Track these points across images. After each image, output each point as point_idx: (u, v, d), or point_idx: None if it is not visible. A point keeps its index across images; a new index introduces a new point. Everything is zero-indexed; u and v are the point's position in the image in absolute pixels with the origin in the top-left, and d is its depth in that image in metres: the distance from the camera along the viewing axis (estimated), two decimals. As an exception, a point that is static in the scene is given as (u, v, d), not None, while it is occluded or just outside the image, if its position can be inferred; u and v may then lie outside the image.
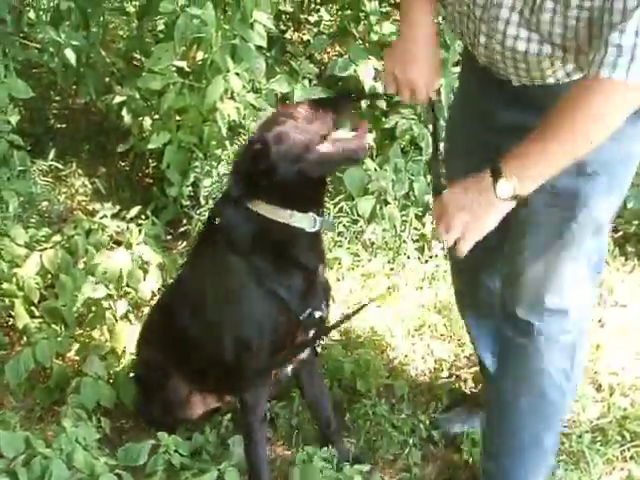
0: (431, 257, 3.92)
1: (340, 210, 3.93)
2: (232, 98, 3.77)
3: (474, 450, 2.90)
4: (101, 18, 4.45)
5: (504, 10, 1.96)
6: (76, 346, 3.15)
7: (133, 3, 4.86)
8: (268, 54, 4.25)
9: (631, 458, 2.95)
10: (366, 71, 4.09)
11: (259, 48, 3.75)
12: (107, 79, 4.36)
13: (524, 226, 2.25)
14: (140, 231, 3.42)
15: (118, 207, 3.71)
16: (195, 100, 3.70)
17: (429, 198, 3.91)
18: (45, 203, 4.05)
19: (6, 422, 2.53)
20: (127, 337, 3.13)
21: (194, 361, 2.69)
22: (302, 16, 5.21)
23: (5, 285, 3.19)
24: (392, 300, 3.63)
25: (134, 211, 3.60)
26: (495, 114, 2.27)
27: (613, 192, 2.22)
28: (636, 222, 4.12)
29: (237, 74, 3.66)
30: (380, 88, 3.83)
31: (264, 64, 3.82)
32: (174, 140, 3.81)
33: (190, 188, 3.91)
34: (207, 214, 2.64)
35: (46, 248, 3.32)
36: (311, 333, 2.56)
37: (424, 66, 2.31)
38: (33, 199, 3.93)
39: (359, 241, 3.93)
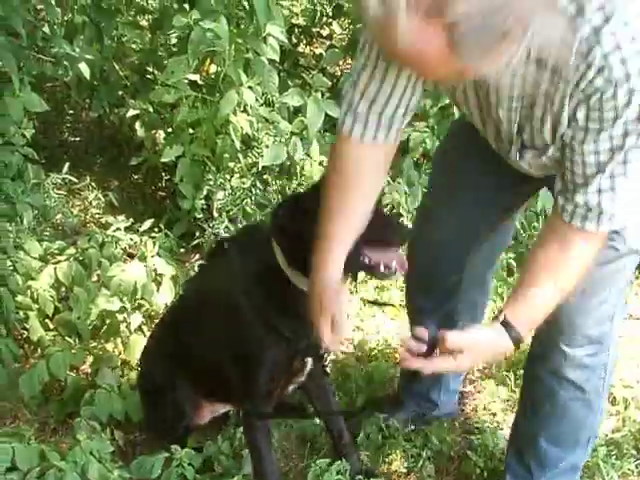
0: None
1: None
2: (245, 111, 3.79)
3: (488, 463, 2.89)
4: (115, 32, 4.50)
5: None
6: (90, 359, 3.16)
7: (146, 17, 4.89)
8: (281, 67, 4.27)
9: (646, 472, 2.94)
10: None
11: (272, 61, 3.77)
12: (120, 92, 4.40)
13: None
14: (154, 244, 3.43)
15: (131, 220, 3.72)
16: (208, 113, 3.72)
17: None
18: (59, 216, 4.06)
19: (20, 435, 2.52)
20: (141, 349, 3.13)
21: (199, 372, 2.70)
22: (314, 29, 5.23)
23: (20, 298, 3.19)
24: (405, 312, 3.62)
25: (147, 224, 3.62)
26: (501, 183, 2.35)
27: None
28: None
29: (250, 87, 3.68)
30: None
31: (277, 77, 3.83)
32: (187, 153, 3.82)
33: (203, 201, 3.92)
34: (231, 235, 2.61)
35: (60, 261, 3.33)
36: (308, 360, 2.57)
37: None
38: (47, 212, 3.94)
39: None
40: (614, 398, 3.25)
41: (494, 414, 3.16)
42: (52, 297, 3.23)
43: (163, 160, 3.86)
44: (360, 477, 2.69)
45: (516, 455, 2.68)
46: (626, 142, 1.80)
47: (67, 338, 3.17)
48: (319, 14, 5.16)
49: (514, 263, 3.94)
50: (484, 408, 3.19)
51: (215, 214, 3.92)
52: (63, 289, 3.32)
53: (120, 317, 3.22)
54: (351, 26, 4.96)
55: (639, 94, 1.71)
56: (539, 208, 3.95)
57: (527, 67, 1.79)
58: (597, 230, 1.94)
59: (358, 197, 2.18)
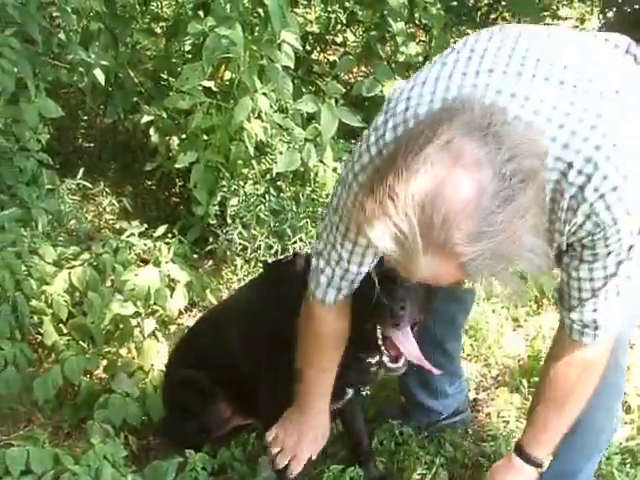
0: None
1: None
2: (259, 118, 3.81)
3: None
4: (129, 39, 4.52)
5: None
6: (104, 363, 3.16)
7: (161, 24, 4.91)
8: (295, 74, 4.27)
9: (661, 480, 2.92)
10: (392, 91, 4.11)
11: (286, 68, 3.78)
12: (135, 99, 4.40)
13: None
14: (168, 249, 3.43)
15: (145, 226, 3.74)
16: (222, 120, 3.73)
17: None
18: (73, 221, 4.07)
19: (35, 438, 2.53)
20: (154, 355, 3.14)
21: (233, 386, 2.72)
22: (328, 37, 5.24)
23: (34, 302, 3.20)
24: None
25: (161, 230, 3.63)
26: None
27: None
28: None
29: (264, 94, 3.69)
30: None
31: (291, 84, 3.84)
32: (201, 159, 3.83)
33: (217, 207, 3.93)
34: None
35: (74, 266, 3.34)
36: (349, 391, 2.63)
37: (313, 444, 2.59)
38: (62, 217, 3.96)
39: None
40: (629, 406, 3.23)
41: (507, 422, 3.15)
42: (66, 302, 3.24)
43: (177, 166, 3.87)
44: None
45: None
46: (619, 269, 1.92)
47: (81, 343, 3.18)
48: (333, 21, 5.18)
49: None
50: (498, 415, 3.18)
51: (229, 220, 3.92)
52: (77, 294, 3.32)
53: (134, 322, 3.23)
54: (365, 34, 4.96)
55: (627, 231, 1.84)
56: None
57: None
58: (594, 342, 2.08)
59: (332, 349, 2.41)
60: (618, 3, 5.34)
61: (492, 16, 5.26)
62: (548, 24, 5.52)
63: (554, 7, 6.11)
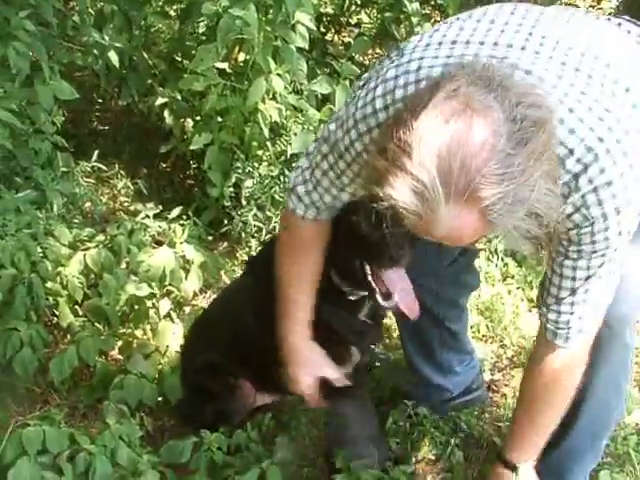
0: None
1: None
2: (274, 99, 3.79)
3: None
4: (144, 21, 4.51)
5: None
6: (119, 344, 3.18)
7: (175, 7, 4.90)
8: (309, 55, 4.25)
9: (677, 461, 2.91)
10: (407, 72, 4.09)
11: (300, 50, 3.76)
12: (149, 81, 4.40)
13: None
14: (183, 231, 3.44)
15: (160, 208, 3.76)
16: (237, 101, 3.72)
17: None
18: (88, 204, 4.08)
19: (51, 418, 2.53)
20: (170, 336, 3.15)
21: (256, 361, 2.71)
22: (343, 18, 5.21)
23: (49, 284, 3.21)
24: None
25: (176, 212, 3.63)
26: None
27: None
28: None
29: (279, 75, 3.68)
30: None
31: (305, 65, 3.83)
32: (216, 141, 3.83)
33: (231, 189, 3.92)
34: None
35: (89, 248, 3.35)
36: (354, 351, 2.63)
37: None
38: (77, 200, 3.96)
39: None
40: (645, 388, 3.23)
41: (523, 402, 3.14)
42: (81, 283, 3.25)
43: (192, 148, 3.86)
44: (389, 464, 2.68)
45: None
46: (601, 271, 1.94)
47: (96, 324, 3.19)
48: (348, 2, 5.14)
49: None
50: (513, 396, 3.16)
51: (243, 202, 3.92)
52: (92, 276, 3.33)
53: (149, 303, 3.24)
54: (379, 15, 4.93)
55: (615, 231, 1.85)
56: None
57: None
58: (565, 344, 2.10)
59: (310, 263, 2.39)
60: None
61: (508, -4, 5.21)
62: (565, 3, 5.48)
63: (570, -12, 6.05)
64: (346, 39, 5.23)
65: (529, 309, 3.67)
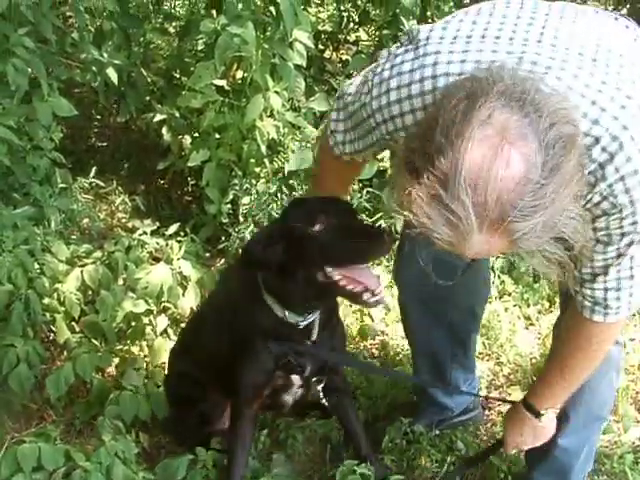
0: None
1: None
2: (271, 116, 3.81)
3: (512, 468, 2.89)
4: (142, 38, 4.53)
5: None
6: (116, 361, 3.17)
7: (174, 24, 4.92)
8: (307, 73, 4.27)
9: (673, 480, 2.91)
10: (404, 90, 4.11)
11: (298, 67, 3.78)
12: (148, 98, 4.42)
13: None
14: (180, 247, 3.44)
15: (157, 224, 3.77)
16: (235, 118, 3.73)
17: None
18: (86, 220, 4.09)
19: (47, 435, 2.54)
20: (166, 352, 3.15)
21: (218, 374, 2.71)
22: (341, 36, 5.23)
23: (46, 300, 3.21)
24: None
25: (173, 228, 3.63)
26: None
27: None
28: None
29: (277, 93, 3.69)
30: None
31: (303, 83, 3.85)
32: (213, 158, 3.84)
33: (229, 206, 3.93)
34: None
35: (87, 264, 3.36)
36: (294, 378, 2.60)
37: None
38: (74, 216, 3.97)
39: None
40: (641, 405, 3.23)
41: (519, 420, 3.14)
42: (79, 300, 3.25)
43: (189, 165, 3.87)
44: None
45: None
46: (630, 250, 1.94)
47: (93, 340, 3.19)
48: (345, 20, 5.17)
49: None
50: (509, 414, 3.17)
51: (241, 218, 3.92)
52: (89, 292, 3.34)
53: (146, 320, 3.24)
54: (377, 32, 4.95)
55: None
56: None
57: None
58: (604, 320, 2.10)
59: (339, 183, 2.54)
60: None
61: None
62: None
63: None
64: (344, 57, 5.24)
65: (526, 327, 3.68)
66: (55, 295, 3.24)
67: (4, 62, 3.39)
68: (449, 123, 1.60)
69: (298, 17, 3.58)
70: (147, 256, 3.52)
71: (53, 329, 3.26)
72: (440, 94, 1.78)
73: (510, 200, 1.57)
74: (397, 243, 2.78)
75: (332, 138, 2.28)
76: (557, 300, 3.68)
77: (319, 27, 5.06)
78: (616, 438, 3.07)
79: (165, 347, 3.17)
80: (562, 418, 2.47)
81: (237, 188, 3.89)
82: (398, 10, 4.41)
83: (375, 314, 3.60)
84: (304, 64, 3.78)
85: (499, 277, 3.82)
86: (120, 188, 4.37)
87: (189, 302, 3.36)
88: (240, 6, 3.59)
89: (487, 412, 3.21)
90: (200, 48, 4.30)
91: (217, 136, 3.85)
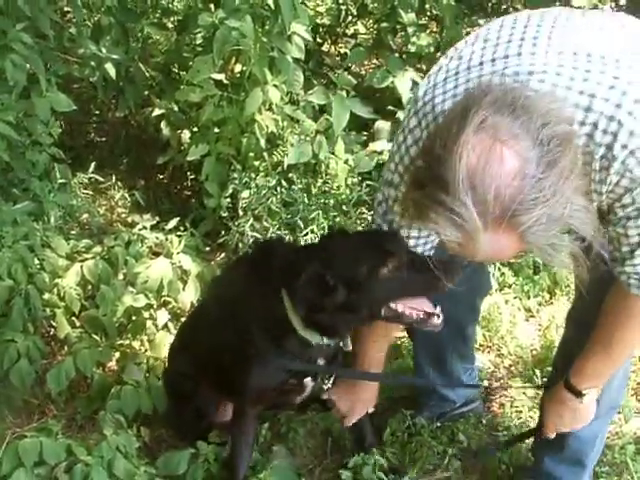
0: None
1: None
2: (270, 110, 3.80)
3: (513, 460, 2.91)
4: (140, 33, 4.52)
5: None
6: (117, 356, 3.17)
7: (172, 18, 4.91)
8: (305, 66, 4.26)
9: (675, 470, 2.91)
10: (404, 82, 4.11)
11: (297, 60, 3.77)
12: (146, 92, 4.41)
13: None
14: (180, 242, 3.44)
15: (157, 219, 3.76)
16: (233, 112, 3.73)
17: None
18: (85, 215, 4.09)
19: (48, 430, 2.55)
20: (167, 347, 3.15)
21: (216, 371, 2.71)
22: (339, 29, 5.22)
23: (47, 295, 3.22)
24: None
25: (173, 223, 3.64)
26: None
27: None
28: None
29: (275, 86, 3.68)
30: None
31: (302, 76, 3.84)
32: (212, 152, 3.83)
33: (228, 200, 3.92)
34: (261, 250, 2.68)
35: (87, 259, 3.36)
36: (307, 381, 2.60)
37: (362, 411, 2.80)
38: (74, 211, 3.97)
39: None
40: (643, 396, 3.24)
41: (520, 411, 3.15)
42: (79, 295, 3.26)
43: (189, 159, 3.87)
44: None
45: None
46: None
47: (93, 335, 3.19)
48: (344, 13, 5.15)
49: (540, 261, 3.91)
50: (511, 405, 3.18)
51: (240, 212, 3.91)
52: (89, 287, 3.33)
53: (146, 314, 3.24)
54: (375, 25, 4.95)
55: None
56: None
57: None
58: None
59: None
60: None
61: (503, 6, 5.21)
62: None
63: (566, -4, 6.06)
64: (342, 50, 5.24)
65: (526, 318, 3.68)
66: (55, 290, 3.24)
67: (2, 58, 3.37)
68: (446, 135, 1.70)
69: (296, 10, 3.56)
70: (147, 251, 3.52)
71: (53, 324, 3.26)
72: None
73: (509, 195, 1.63)
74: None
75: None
76: (557, 292, 3.71)
77: (317, 20, 5.03)
78: (617, 429, 3.07)
79: (166, 341, 3.17)
80: None
81: (236, 182, 3.88)
82: (396, 3, 4.41)
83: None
84: (302, 57, 3.77)
85: (499, 269, 3.81)
86: (119, 183, 4.36)
87: (189, 296, 3.36)
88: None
89: (488, 403, 3.21)
90: (198, 42, 4.28)
91: (216, 130, 3.84)
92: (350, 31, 5.31)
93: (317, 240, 3.51)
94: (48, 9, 3.65)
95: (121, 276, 3.38)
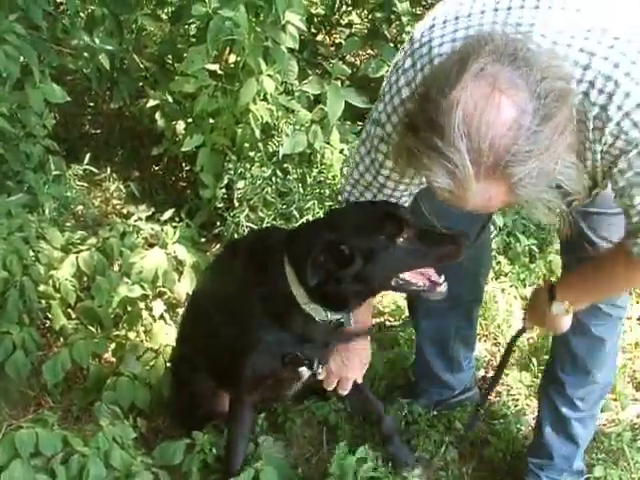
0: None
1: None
2: (265, 100, 3.79)
3: (510, 448, 2.92)
4: (134, 24, 4.50)
5: None
6: (112, 347, 3.16)
7: (165, 10, 4.89)
8: (300, 56, 4.25)
9: (671, 456, 2.92)
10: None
11: (291, 50, 3.76)
12: (140, 84, 4.40)
13: None
14: (175, 233, 3.44)
15: (152, 210, 3.76)
16: (228, 102, 3.72)
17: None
18: (80, 207, 4.08)
19: (44, 421, 2.54)
20: (163, 337, 3.15)
21: (214, 361, 2.70)
22: (333, 19, 5.21)
23: (42, 287, 3.21)
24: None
25: (168, 214, 3.64)
26: None
27: None
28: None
29: (270, 76, 3.68)
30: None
31: (296, 66, 3.83)
32: (207, 143, 3.83)
33: (224, 190, 3.92)
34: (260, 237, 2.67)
35: (82, 250, 3.35)
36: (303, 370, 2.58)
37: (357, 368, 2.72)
38: (69, 203, 3.96)
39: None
40: (639, 383, 3.24)
41: (517, 400, 3.15)
42: (74, 286, 3.25)
43: (183, 150, 3.86)
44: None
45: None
46: None
47: (89, 327, 3.19)
48: (338, 3, 5.14)
49: (536, 249, 3.92)
50: (507, 394, 3.18)
51: (236, 203, 3.91)
52: (85, 278, 3.33)
53: (142, 305, 3.24)
54: (370, 15, 4.94)
55: None
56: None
57: None
58: None
59: None
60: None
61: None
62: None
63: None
64: (337, 40, 5.23)
65: (522, 307, 3.67)
66: (50, 282, 3.24)
67: (-5, 49, 3.37)
68: (443, 81, 1.68)
69: (290, 0, 3.56)
70: (142, 242, 3.51)
71: (49, 316, 3.25)
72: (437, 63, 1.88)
73: (504, 145, 1.63)
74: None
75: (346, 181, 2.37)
76: (553, 280, 3.70)
77: (312, 10, 5.02)
78: (614, 416, 3.08)
79: (163, 332, 3.17)
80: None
81: (231, 172, 3.88)
82: (391, -8, 4.40)
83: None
84: (297, 47, 3.75)
85: (495, 257, 3.81)
86: (114, 174, 4.35)
87: (185, 287, 3.36)
88: (231, -11, 3.57)
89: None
90: (192, 33, 4.27)
91: (211, 121, 3.83)
92: (344, 21, 5.31)
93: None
94: (41, 0, 3.64)
95: (116, 267, 3.38)
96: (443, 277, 2.31)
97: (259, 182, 3.87)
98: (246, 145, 3.87)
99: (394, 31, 4.61)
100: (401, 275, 2.28)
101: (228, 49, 3.79)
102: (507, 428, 2.98)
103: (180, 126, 4.03)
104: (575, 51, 1.82)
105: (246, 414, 2.66)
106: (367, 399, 2.85)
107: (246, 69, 3.68)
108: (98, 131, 4.80)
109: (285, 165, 3.96)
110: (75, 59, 4.14)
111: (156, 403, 2.98)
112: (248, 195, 3.87)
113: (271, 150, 3.94)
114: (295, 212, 3.83)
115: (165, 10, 4.86)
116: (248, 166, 3.89)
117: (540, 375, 2.99)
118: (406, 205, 2.34)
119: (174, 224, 3.63)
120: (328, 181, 3.92)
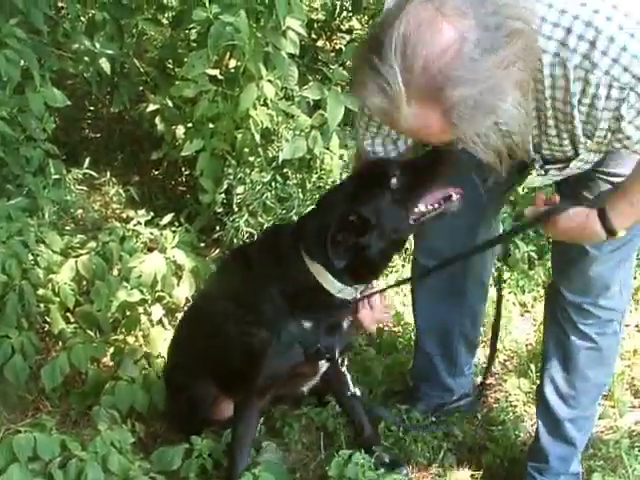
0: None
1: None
2: (265, 105, 3.79)
3: (508, 454, 2.91)
4: (135, 28, 4.51)
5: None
6: (111, 351, 3.16)
7: (166, 14, 4.90)
8: (300, 62, 4.26)
9: (670, 464, 2.91)
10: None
11: (291, 56, 3.76)
12: (141, 88, 4.41)
13: None
14: (174, 237, 3.44)
15: (152, 214, 3.75)
16: (228, 107, 3.72)
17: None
18: (80, 211, 4.09)
19: (42, 425, 2.53)
20: (162, 342, 3.15)
21: (217, 367, 2.70)
22: (334, 24, 5.22)
23: (41, 291, 3.21)
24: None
25: (167, 218, 3.64)
26: None
27: None
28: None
29: (270, 81, 3.68)
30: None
31: (296, 71, 3.83)
32: (207, 147, 3.83)
33: (223, 195, 3.92)
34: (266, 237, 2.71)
35: (81, 255, 3.35)
36: (322, 363, 2.59)
37: None
38: (68, 207, 3.97)
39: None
40: (637, 390, 3.24)
41: (515, 406, 3.15)
42: (73, 290, 3.25)
43: (183, 154, 3.86)
44: (383, 468, 2.68)
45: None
46: None
47: (88, 331, 3.18)
48: (338, 9, 5.15)
49: (535, 256, 3.92)
50: (506, 400, 3.18)
51: (235, 208, 3.91)
52: (84, 282, 3.33)
53: (140, 309, 3.24)
54: (370, 21, 4.95)
55: None
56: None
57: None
58: None
59: None
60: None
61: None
62: None
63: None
64: (337, 45, 5.24)
65: (521, 314, 3.68)
66: (49, 286, 3.24)
67: (-4, 53, 3.38)
68: (396, 7, 1.70)
69: (291, 5, 3.55)
70: (141, 246, 3.51)
71: (48, 320, 3.25)
72: None
73: (438, 67, 1.64)
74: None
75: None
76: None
77: (312, 16, 5.04)
78: (612, 423, 3.08)
79: (161, 337, 3.17)
80: None
81: (231, 177, 3.88)
82: (391, -2, 4.39)
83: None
84: (297, 52, 3.75)
85: (494, 264, 3.81)
86: (114, 179, 4.36)
87: (184, 292, 3.36)
88: (232, -6, 3.58)
89: (483, 398, 3.20)
90: (193, 38, 4.28)
91: (211, 125, 3.83)
92: (345, 26, 5.32)
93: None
94: (42, 4, 3.64)
95: (116, 271, 3.37)
96: (452, 188, 2.28)
97: (259, 187, 3.87)
98: (246, 150, 3.87)
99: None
100: (415, 210, 2.28)
101: (228, 54, 3.80)
102: (505, 434, 2.97)
103: (180, 131, 4.03)
104: (555, 12, 1.80)
105: (253, 418, 2.66)
106: (354, 409, 2.86)
107: (246, 74, 3.68)
108: (98, 135, 4.81)
109: (285, 170, 3.96)
110: (75, 63, 4.15)
111: (155, 407, 2.97)
112: (248, 200, 3.87)
113: (271, 155, 3.94)
114: (295, 217, 3.83)
115: (166, 15, 4.87)
116: (248, 171, 3.90)
117: (539, 382, 2.99)
118: None
119: (173, 229, 3.63)
120: (328, 186, 3.92)
